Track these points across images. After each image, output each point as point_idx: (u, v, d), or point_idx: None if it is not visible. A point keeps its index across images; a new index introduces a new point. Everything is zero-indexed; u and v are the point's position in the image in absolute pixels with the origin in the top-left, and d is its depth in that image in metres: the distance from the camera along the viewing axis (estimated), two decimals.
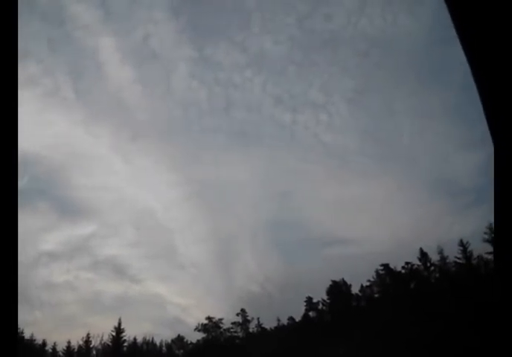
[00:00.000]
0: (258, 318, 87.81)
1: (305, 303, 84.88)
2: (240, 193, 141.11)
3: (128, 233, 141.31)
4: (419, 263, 75.62)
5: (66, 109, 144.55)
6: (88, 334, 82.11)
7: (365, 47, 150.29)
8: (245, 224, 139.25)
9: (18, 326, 74.24)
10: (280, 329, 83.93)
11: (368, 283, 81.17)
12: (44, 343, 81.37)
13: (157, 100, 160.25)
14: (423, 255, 75.81)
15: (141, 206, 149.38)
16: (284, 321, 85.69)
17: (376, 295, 79.49)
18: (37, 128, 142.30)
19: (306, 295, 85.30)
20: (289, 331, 79.71)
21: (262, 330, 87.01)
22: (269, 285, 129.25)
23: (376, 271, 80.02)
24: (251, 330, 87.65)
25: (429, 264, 75.48)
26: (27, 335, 79.64)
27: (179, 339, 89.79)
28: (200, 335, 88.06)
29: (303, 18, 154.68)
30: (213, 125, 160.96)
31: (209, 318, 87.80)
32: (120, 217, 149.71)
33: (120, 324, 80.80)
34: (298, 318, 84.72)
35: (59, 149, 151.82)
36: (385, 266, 78.50)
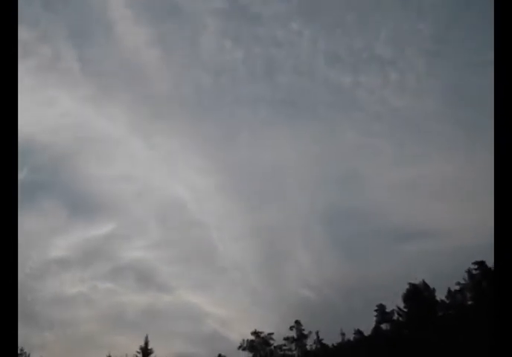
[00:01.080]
0: (317, 332, 79.57)
1: (376, 313, 75.81)
2: (288, 178, 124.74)
3: (154, 232, 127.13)
4: None
5: (70, 83, 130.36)
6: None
7: None
8: (296, 215, 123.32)
9: (24, 350, 70.45)
10: (345, 345, 76.11)
11: (457, 287, 70.99)
12: None
13: (181, 67, 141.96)
14: None
15: (168, 198, 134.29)
16: (350, 336, 77.73)
17: (469, 302, 69.58)
18: (36, 108, 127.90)
19: (377, 303, 76.45)
20: (356, 348, 71.51)
21: (322, 347, 78.57)
22: (330, 291, 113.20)
23: (468, 271, 69.69)
24: (308, 347, 79.41)
25: None
26: None
27: None
28: (245, 355, 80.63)
29: None
30: (253, 94, 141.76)
31: (256, 333, 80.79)
32: (143, 213, 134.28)
33: (147, 344, 72.40)
34: (367, 332, 76.31)
35: (65, 133, 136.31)
36: (480, 264, 68.00)
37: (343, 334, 77.45)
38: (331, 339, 79.43)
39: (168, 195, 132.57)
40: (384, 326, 75.18)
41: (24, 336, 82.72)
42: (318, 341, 79.36)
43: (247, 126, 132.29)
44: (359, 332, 76.56)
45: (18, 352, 68.30)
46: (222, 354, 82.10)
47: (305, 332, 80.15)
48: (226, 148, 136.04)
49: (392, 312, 74.89)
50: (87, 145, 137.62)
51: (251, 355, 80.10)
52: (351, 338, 77.01)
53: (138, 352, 71.73)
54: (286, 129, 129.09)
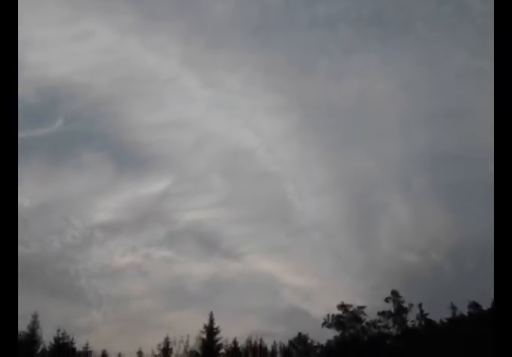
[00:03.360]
0: (420, 305, 72.30)
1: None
2: (379, 115, 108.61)
3: (217, 188, 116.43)
4: None
5: (109, 11, 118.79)
6: (166, 338, 68.68)
7: None
8: (391, 160, 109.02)
9: (67, 334, 67.64)
10: (457, 322, 68.71)
11: None
12: (104, 355, 69.61)
13: None
14: None
15: (232, 146, 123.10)
16: (463, 310, 70.61)
17: None
18: (68, 44, 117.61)
19: None
20: (472, 325, 62.95)
21: (427, 324, 71.78)
22: (436, 254, 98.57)
23: None
24: (409, 324, 72.64)
25: None
26: (79, 346, 68.65)
27: (301, 340, 75.44)
28: (332, 333, 75.14)
29: None
30: (332, 12, 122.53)
31: (343, 307, 75.32)
32: (203, 165, 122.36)
33: (212, 322, 69.13)
34: (486, 305, 68.27)
35: (106, 72, 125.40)
36: None
37: (454, 307, 70.07)
38: (438, 314, 71.23)
39: (232, 143, 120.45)
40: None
41: (67, 316, 78.41)
42: (422, 316, 71.86)
43: (326, 53, 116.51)
44: (475, 305, 69.32)
45: (59, 336, 66.09)
46: (303, 332, 76.68)
47: (404, 305, 73.12)
48: (301, 81, 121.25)
49: None
50: (132, 85, 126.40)
51: (338, 333, 74.04)
52: (465, 313, 69.63)
53: (201, 331, 68.39)
54: (376, 54, 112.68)
